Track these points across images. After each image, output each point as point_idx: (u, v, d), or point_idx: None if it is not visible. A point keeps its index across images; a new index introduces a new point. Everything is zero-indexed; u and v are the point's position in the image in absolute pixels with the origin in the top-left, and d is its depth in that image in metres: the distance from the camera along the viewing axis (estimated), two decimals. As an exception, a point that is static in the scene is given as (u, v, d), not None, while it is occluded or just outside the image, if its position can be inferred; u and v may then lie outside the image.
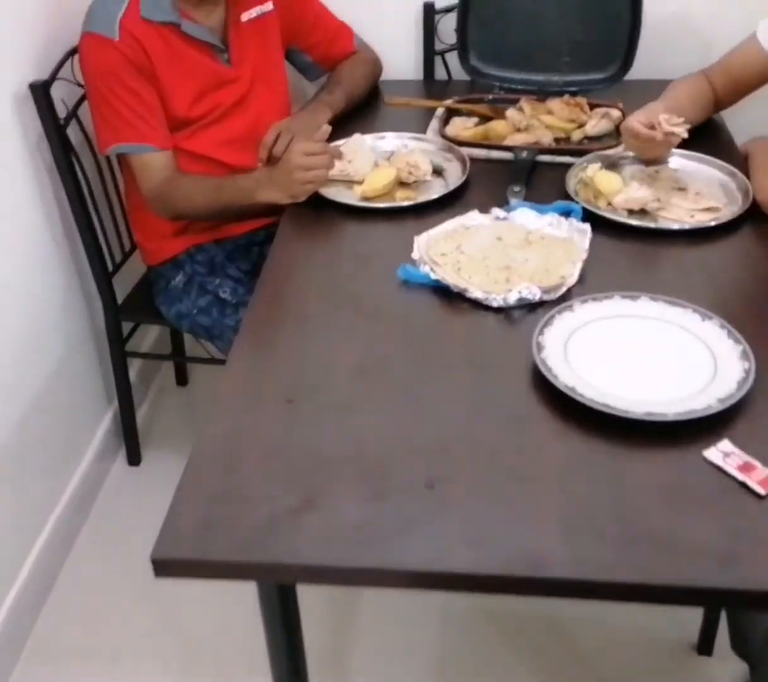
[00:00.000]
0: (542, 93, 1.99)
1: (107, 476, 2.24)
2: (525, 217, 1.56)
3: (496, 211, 1.57)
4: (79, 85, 1.85)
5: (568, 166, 1.74)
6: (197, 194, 1.77)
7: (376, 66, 2.13)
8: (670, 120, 1.61)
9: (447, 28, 2.16)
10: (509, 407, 1.19)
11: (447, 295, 1.41)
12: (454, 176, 1.75)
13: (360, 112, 2.04)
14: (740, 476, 1.05)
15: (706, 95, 1.84)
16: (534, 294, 1.36)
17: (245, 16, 1.86)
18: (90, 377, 2.18)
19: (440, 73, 2.26)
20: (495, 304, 1.36)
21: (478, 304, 1.38)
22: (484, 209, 1.59)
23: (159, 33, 1.74)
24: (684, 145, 1.67)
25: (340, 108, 1.95)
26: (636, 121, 1.64)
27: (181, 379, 2.54)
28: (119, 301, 2.07)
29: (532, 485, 1.07)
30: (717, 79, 1.84)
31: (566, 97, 1.93)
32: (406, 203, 1.65)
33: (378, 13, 2.20)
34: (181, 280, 1.90)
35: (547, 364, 1.20)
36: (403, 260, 1.46)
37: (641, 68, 2.09)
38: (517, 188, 1.65)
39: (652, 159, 1.72)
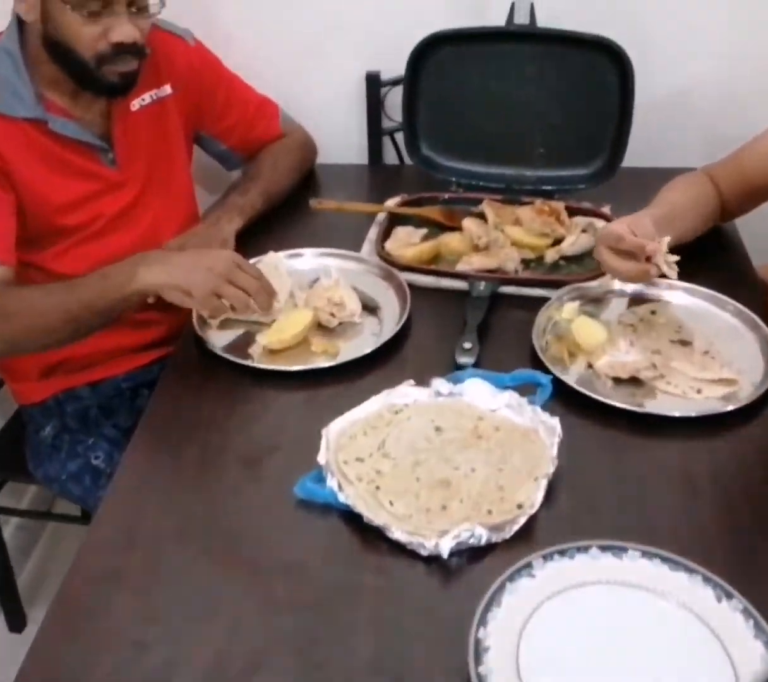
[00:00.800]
0: (510, 192, 1.60)
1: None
2: (477, 392, 1.16)
3: (439, 384, 1.17)
4: None
5: (538, 300, 1.35)
6: (42, 300, 1.29)
7: (307, 151, 1.73)
8: (666, 257, 1.21)
9: (396, 102, 1.75)
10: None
11: (361, 525, 1.01)
12: (392, 313, 1.35)
13: (285, 210, 1.64)
14: None
15: (710, 201, 1.45)
16: (478, 536, 0.96)
17: (136, 104, 1.46)
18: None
19: (390, 157, 1.86)
20: (424, 551, 0.96)
21: (401, 547, 0.98)
22: (423, 377, 1.19)
23: (22, 130, 1.35)
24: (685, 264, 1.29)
25: (255, 211, 1.56)
26: (620, 227, 1.25)
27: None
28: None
29: None
30: (725, 179, 1.45)
31: (539, 202, 1.53)
32: (320, 364, 1.25)
33: (312, 85, 1.80)
34: (50, 432, 1.50)
35: (488, 686, 0.81)
36: (308, 456, 1.07)
37: (636, 154, 1.70)
38: (468, 344, 1.25)
39: (628, 281, 1.32)
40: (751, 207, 1.48)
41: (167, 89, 1.50)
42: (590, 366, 1.23)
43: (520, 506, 0.99)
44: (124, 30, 1.28)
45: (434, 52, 1.55)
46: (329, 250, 1.48)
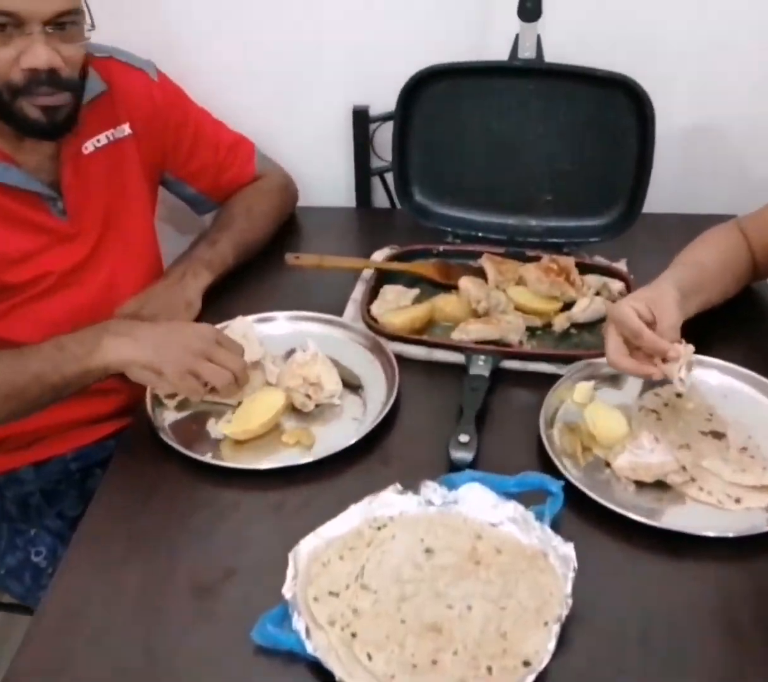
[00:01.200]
0: (514, 244, 1.42)
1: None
2: (475, 501, 0.97)
3: (430, 491, 0.98)
4: None
5: (546, 377, 1.18)
6: None
7: (286, 194, 1.55)
8: (682, 370, 1.03)
9: (386, 139, 1.56)
10: None
11: (333, 680, 0.83)
12: (378, 392, 1.17)
13: (259, 263, 1.46)
14: None
15: (742, 261, 1.28)
16: (477, 705, 0.78)
17: (89, 146, 1.28)
18: None
19: (380, 199, 1.68)
20: (408, 725, 0.78)
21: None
22: (413, 476, 1.01)
23: (-41, 177, 1.17)
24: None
25: (226, 266, 1.38)
26: (631, 308, 1.05)
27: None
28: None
29: None
30: (757, 234, 1.28)
31: (546, 259, 1.35)
32: (291, 461, 1.07)
33: (292, 120, 1.63)
34: (-15, 517, 1.31)
35: None
36: (272, 582, 0.88)
37: (654, 198, 1.53)
38: (464, 438, 1.06)
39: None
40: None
41: (126, 129, 1.32)
42: (608, 465, 1.05)
43: (526, 664, 0.81)
44: (37, 54, 1.08)
45: (428, 88, 1.38)
46: (307, 313, 1.30)
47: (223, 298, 1.36)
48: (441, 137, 1.41)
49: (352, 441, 1.07)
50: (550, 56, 1.32)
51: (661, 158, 1.50)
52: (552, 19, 1.33)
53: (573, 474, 1.03)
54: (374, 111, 1.57)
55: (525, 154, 1.40)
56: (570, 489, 1.00)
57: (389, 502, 0.98)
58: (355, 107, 1.57)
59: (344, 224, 1.64)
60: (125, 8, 1.50)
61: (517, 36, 1.30)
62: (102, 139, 1.30)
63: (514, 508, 0.96)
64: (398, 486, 0.99)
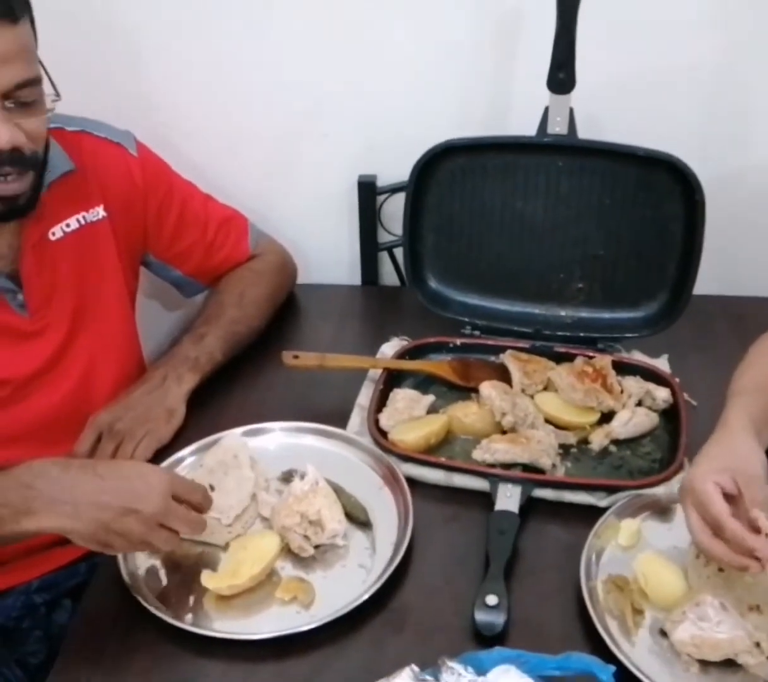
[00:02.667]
0: (541, 337, 1.25)
1: None
2: (506, 689, 0.81)
3: (453, 677, 0.81)
4: None
5: (585, 510, 1.01)
6: None
7: (283, 276, 1.39)
8: None
9: (395, 212, 1.40)
10: None
11: None
12: (389, 528, 1.00)
13: (253, 353, 1.30)
14: None
15: None
16: None
17: (57, 231, 1.13)
18: None
19: (388, 275, 1.52)
20: None
21: None
22: (431, 645, 0.85)
23: None
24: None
25: (214, 364, 1.22)
26: (715, 486, 0.84)
27: None
28: None
29: None
30: None
31: (580, 361, 1.19)
32: (284, 627, 0.89)
33: (292, 192, 1.47)
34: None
35: None
36: None
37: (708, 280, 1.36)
38: (492, 600, 0.89)
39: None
40: None
41: (100, 212, 1.16)
42: (664, 633, 0.88)
43: None
44: None
45: (445, 163, 1.22)
46: (306, 425, 1.14)
47: (210, 403, 1.20)
48: (459, 217, 1.25)
49: (358, 602, 0.90)
50: (586, 128, 1.16)
51: (708, 234, 1.35)
52: (587, 86, 1.19)
53: (624, 649, 0.86)
54: (382, 182, 1.41)
55: (554, 237, 1.24)
56: (623, 670, 0.83)
57: (402, 691, 0.81)
58: (360, 178, 1.41)
59: (349, 305, 1.47)
60: (107, 71, 1.36)
61: (546, 109, 1.14)
62: (72, 222, 1.14)
63: (556, 702, 0.79)
64: (414, 669, 0.82)
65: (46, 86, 1.01)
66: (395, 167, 1.31)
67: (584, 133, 1.17)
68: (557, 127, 1.15)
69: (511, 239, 1.25)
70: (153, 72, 1.38)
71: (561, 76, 1.12)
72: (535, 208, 1.23)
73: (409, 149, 1.22)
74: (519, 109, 1.28)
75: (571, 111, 1.14)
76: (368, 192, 1.41)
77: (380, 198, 1.43)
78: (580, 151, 1.18)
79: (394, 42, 1.32)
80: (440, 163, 1.22)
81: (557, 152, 1.18)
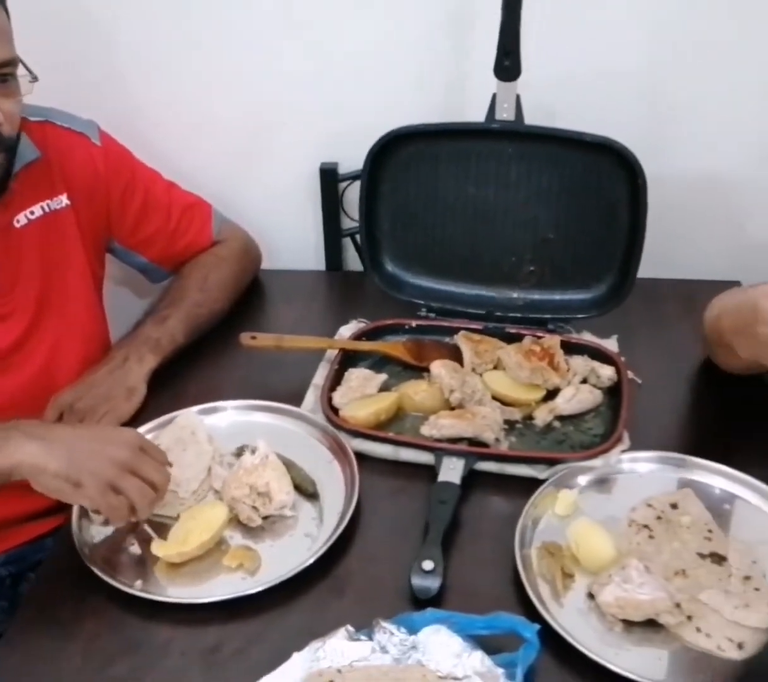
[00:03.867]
0: (493, 319, 1.29)
1: None
2: (437, 648, 0.84)
3: (385, 635, 0.85)
4: None
5: (525, 482, 1.05)
6: None
7: (247, 261, 1.43)
8: None
9: (357, 199, 1.43)
10: None
11: None
12: (337, 500, 1.04)
13: (214, 336, 1.33)
14: None
15: None
16: None
17: (22, 218, 1.17)
18: None
19: (353, 261, 1.56)
20: None
21: None
22: (369, 608, 0.89)
23: None
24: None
25: (176, 345, 1.26)
26: None
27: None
28: None
29: None
30: None
31: (528, 340, 1.22)
32: (228, 592, 0.93)
33: (256, 179, 1.51)
34: None
35: None
36: None
37: (649, 263, 1.41)
38: (428, 565, 0.93)
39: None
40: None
41: (63, 200, 1.20)
42: (592, 596, 0.92)
43: None
44: None
45: (399, 150, 1.25)
46: (260, 403, 1.18)
47: (171, 383, 1.24)
48: (414, 203, 1.29)
49: (300, 568, 0.94)
50: (537, 117, 1.20)
51: (656, 220, 1.39)
52: (538, 77, 1.22)
53: (552, 610, 0.90)
54: (344, 169, 1.45)
55: (505, 221, 1.27)
56: (549, 631, 0.87)
57: (338, 650, 0.84)
58: (322, 165, 1.45)
59: (312, 290, 1.51)
60: (74, 61, 1.39)
61: (493, 96, 1.18)
62: (36, 210, 1.18)
63: (481, 660, 0.83)
64: (349, 629, 0.86)
65: (21, 69, 1.05)
66: (357, 155, 1.33)
67: (541, 121, 1.21)
68: (504, 113, 1.18)
69: (465, 224, 1.29)
70: (119, 62, 1.41)
71: (507, 63, 1.15)
72: (486, 194, 1.26)
73: (370, 137, 1.25)
74: (476, 97, 1.30)
75: (518, 98, 1.18)
76: (330, 179, 1.45)
77: (342, 185, 1.46)
78: (529, 138, 1.21)
79: (353, 31, 1.35)
80: (394, 151, 1.25)
81: (506, 138, 1.22)
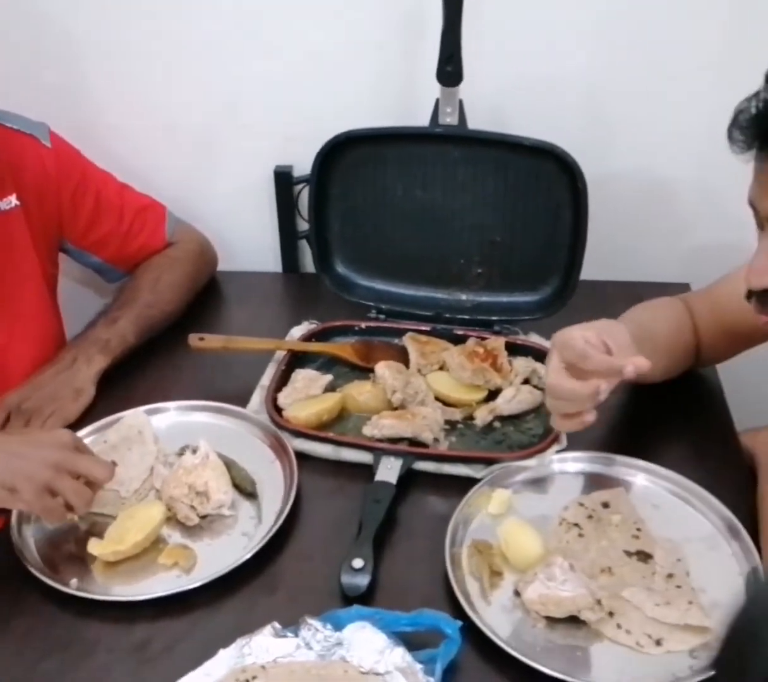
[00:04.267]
0: (442, 320, 1.31)
1: None
2: (361, 644, 0.86)
3: (310, 632, 0.87)
4: None
5: (463, 481, 1.06)
6: None
7: (201, 263, 1.44)
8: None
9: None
10: None
11: None
12: (276, 500, 1.05)
13: (167, 336, 1.34)
14: None
15: (688, 335, 1.16)
16: None
17: (-30, 220, 1.18)
18: None
19: (309, 263, 1.57)
20: None
21: None
22: (299, 606, 0.90)
23: None
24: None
25: (126, 347, 1.27)
26: (580, 334, 0.91)
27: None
28: None
29: None
30: (701, 316, 1.17)
31: (472, 341, 1.24)
32: (162, 588, 0.95)
33: (212, 181, 1.52)
34: None
35: None
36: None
37: (596, 264, 1.43)
38: (358, 563, 0.95)
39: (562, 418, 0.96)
40: (727, 354, 1.20)
41: (12, 201, 1.21)
42: (518, 593, 0.93)
43: None
44: None
45: (347, 153, 1.27)
46: (205, 403, 1.19)
47: (121, 383, 1.25)
48: (363, 205, 1.30)
49: (233, 566, 0.95)
50: (488, 122, 1.22)
51: (606, 223, 1.41)
52: (487, 82, 1.24)
53: (478, 608, 0.91)
54: (299, 172, 1.46)
55: (453, 224, 1.29)
56: (474, 628, 0.89)
57: (264, 646, 0.86)
58: (276, 168, 1.46)
59: (268, 291, 1.52)
60: (29, 64, 1.40)
61: (437, 100, 1.20)
62: None
63: (402, 656, 0.84)
64: (276, 626, 0.88)
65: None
66: (312, 158, 1.35)
67: (492, 126, 1.23)
68: (448, 118, 1.20)
69: (413, 226, 1.30)
70: (76, 64, 1.42)
71: (449, 69, 1.16)
72: (434, 197, 1.28)
73: (324, 140, 1.26)
74: (429, 101, 1.33)
75: (461, 103, 1.19)
76: (285, 182, 1.47)
77: (297, 188, 1.48)
78: (473, 142, 1.22)
79: (308, 35, 1.36)
80: (342, 154, 1.26)
81: (451, 143, 1.23)
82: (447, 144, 1.23)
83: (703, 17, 1.27)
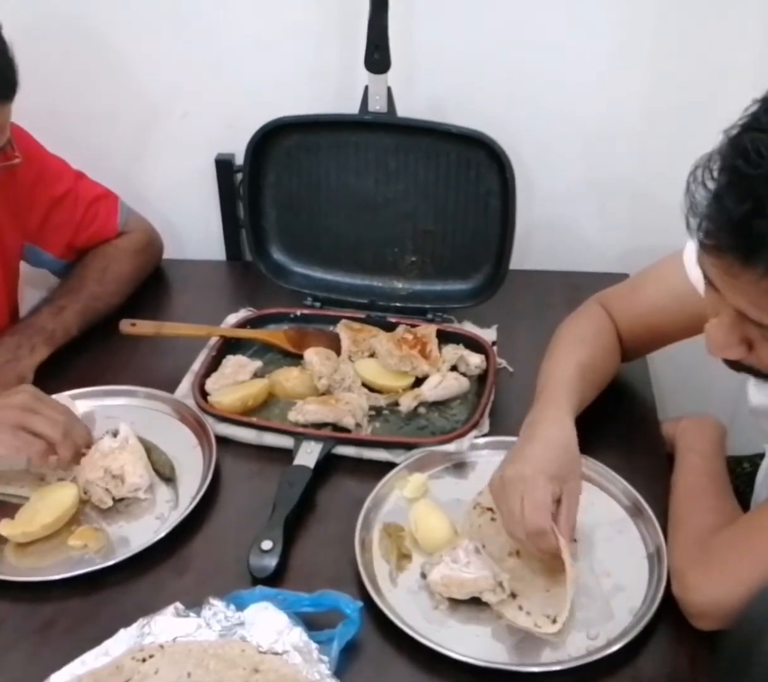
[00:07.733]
0: (377, 308, 1.31)
1: None
2: (262, 624, 0.86)
3: (211, 612, 0.87)
4: None
5: (383, 466, 1.07)
6: None
7: (148, 254, 1.43)
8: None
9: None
10: None
11: None
12: (195, 484, 1.06)
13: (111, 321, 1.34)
14: None
15: (615, 348, 1.14)
16: None
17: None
18: None
19: (251, 251, 1.58)
20: None
21: None
22: (208, 588, 0.91)
23: None
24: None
25: (68, 337, 1.27)
26: (551, 495, 0.90)
27: None
28: None
29: None
30: (622, 315, 1.15)
31: (401, 328, 1.25)
32: (69, 570, 0.95)
33: (159, 169, 1.52)
34: None
35: None
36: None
37: (534, 255, 1.44)
38: (267, 544, 0.95)
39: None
40: (650, 350, 1.20)
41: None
42: (423, 574, 0.94)
43: None
44: None
45: (281, 141, 1.27)
46: (134, 388, 1.19)
47: (56, 371, 1.24)
48: (298, 193, 1.31)
49: (141, 548, 0.96)
50: (426, 111, 1.22)
51: (545, 215, 1.41)
52: (430, 71, 1.24)
53: (384, 589, 0.92)
54: (241, 160, 1.46)
55: (387, 211, 1.29)
56: (376, 609, 0.89)
57: (165, 626, 0.86)
58: (218, 156, 1.47)
59: (209, 279, 1.52)
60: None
61: (366, 87, 1.20)
62: None
63: (299, 635, 0.85)
64: (178, 606, 0.88)
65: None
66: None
67: (430, 115, 1.23)
68: (377, 105, 1.21)
69: (348, 214, 1.31)
70: (22, 50, 1.42)
71: (376, 56, 1.17)
72: (367, 184, 1.28)
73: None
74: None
75: (389, 90, 1.20)
76: (226, 170, 1.47)
77: (239, 176, 1.48)
78: (404, 130, 1.23)
79: (246, 23, 1.36)
80: (275, 141, 1.27)
81: (382, 130, 1.23)
82: (379, 132, 1.24)
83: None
